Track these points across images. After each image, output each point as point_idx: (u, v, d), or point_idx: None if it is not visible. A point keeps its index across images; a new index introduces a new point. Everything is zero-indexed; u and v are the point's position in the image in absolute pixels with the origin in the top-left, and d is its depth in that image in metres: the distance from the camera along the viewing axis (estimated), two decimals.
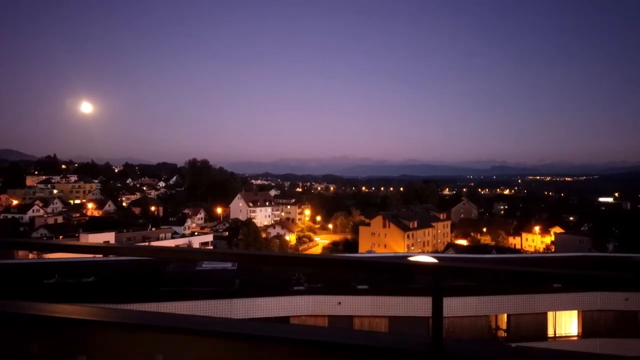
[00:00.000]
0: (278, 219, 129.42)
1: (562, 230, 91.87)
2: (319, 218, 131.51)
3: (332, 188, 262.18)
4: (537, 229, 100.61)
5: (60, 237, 70.41)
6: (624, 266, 24.77)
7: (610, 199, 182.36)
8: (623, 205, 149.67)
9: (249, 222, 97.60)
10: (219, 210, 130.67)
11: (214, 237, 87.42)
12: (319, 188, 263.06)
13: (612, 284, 1.58)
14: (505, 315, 19.87)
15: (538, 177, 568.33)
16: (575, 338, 20.10)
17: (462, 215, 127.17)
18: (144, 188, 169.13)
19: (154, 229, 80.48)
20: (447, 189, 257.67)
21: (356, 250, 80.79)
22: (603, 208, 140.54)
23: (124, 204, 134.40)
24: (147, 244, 52.52)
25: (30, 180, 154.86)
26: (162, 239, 74.08)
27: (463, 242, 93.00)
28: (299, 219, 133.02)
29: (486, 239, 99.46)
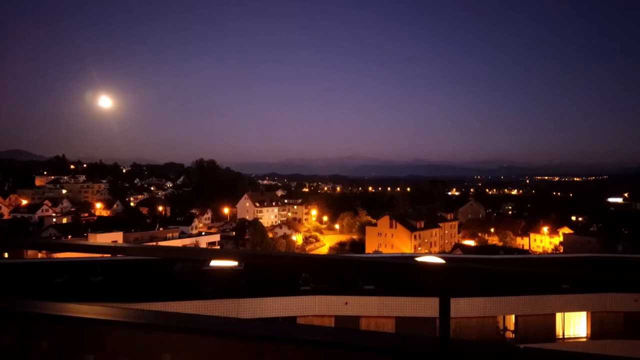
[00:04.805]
0: (285, 219, 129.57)
1: (570, 231, 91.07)
2: (325, 218, 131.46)
3: (338, 188, 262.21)
4: (545, 229, 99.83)
5: (69, 236, 70.95)
6: (633, 267, 24.53)
7: (619, 200, 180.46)
8: (633, 206, 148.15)
9: (256, 222, 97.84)
10: (226, 210, 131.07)
11: (221, 237, 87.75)
12: (326, 188, 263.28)
13: (622, 285, 1.54)
14: (513, 316, 19.73)
15: (546, 178, 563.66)
16: (584, 339, 19.91)
17: (470, 216, 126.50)
18: (152, 188, 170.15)
19: (161, 228, 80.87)
20: (455, 189, 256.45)
21: (363, 251, 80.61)
22: (612, 208, 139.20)
23: (132, 204, 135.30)
24: (154, 243, 52.81)
25: (39, 180, 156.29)
26: (169, 239, 74.44)
27: (470, 242, 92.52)
28: (305, 219, 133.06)
29: (494, 240, 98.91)
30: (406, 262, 1.68)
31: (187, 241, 74.43)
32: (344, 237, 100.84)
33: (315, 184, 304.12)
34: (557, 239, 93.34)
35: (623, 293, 19.12)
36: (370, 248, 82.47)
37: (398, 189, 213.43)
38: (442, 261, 6.57)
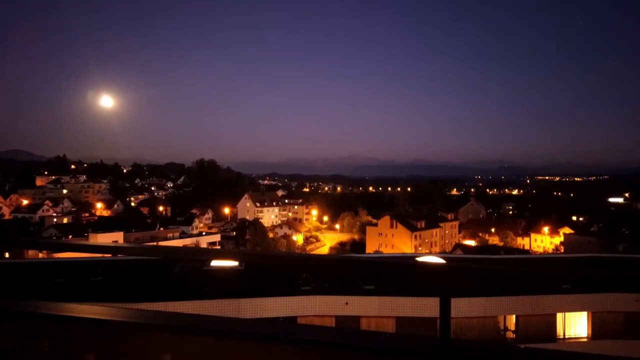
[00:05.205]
0: (285, 219, 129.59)
1: (571, 231, 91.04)
2: (326, 218, 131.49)
3: (339, 188, 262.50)
4: (546, 229, 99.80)
5: (70, 236, 70.99)
6: (634, 267, 24.51)
7: (620, 200, 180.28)
8: (633, 206, 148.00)
9: (256, 222, 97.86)
10: (227, 210, 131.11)
11: (222, 237, 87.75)
12: (326, 188, 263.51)
13: (623, 285, 1.54)
14: (514, 316, 19.73)
15: (547, 178, 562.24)
16: (585, 339, 19.91)
17: (470, 216, 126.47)
18: (152, 188, 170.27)
19: (162, 228, 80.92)
20: (455, 190, 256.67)
21: (363, 251, 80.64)
22: (613, 208, 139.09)
23: (133, 203, 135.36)
24: (155, 243, 52.84)
25: (40, 180, 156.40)
26: (170, 239, 74.44)
27: (471, 242, 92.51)
28: (306, 219, 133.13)
29: (494, 240, 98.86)
30: (407, 262, 1.68)
31: (187, 241, 74.43)
32: (344, 237, 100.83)
33: (315, 184, 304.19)
34: (558, 239, 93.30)
35: (624, 293, 19.09)
36: (370, 248, 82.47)
37: (398, 189, 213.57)
38: (442, 261, 6.57)
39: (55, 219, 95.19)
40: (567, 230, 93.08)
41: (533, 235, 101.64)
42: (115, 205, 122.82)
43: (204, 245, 72.85)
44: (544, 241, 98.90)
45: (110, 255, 2.14)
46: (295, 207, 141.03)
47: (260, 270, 19.78)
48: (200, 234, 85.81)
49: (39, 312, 1.86)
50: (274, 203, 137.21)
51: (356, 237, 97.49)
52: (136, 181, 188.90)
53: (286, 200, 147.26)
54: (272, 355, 1.65)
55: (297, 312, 17.85)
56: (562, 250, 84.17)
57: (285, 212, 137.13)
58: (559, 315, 19.80)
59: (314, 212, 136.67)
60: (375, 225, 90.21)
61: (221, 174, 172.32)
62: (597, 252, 59.82)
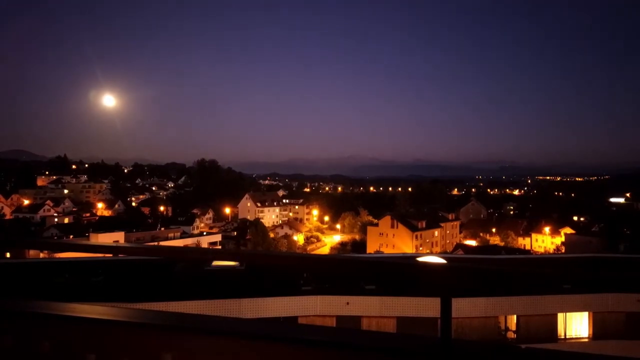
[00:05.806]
0: (286, 219, 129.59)
1: (572, 231, 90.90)
2: (326, 218, 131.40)
3: (340, 188, 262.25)
4: (547, 229, 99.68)
5: (71, 236, 71.04)
6: (635, 267, 24.48)
7: (621, 200, 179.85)
8: (635, 206, 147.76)
9: (257, 222, 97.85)
10: (227, 210, 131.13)
11: (223, 237, 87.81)
12: (327, 188, 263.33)
13: (624, 285, 1.54)
14: (515, 316, 19.71)
15: (548, 178, 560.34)
16: (586, 340, 19.89)
17: (471, 216, 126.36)
18: (153, 188, 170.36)
19: (162, 228, 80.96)
20: (456, 189, 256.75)
21: (364, 251, 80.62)
22: (614, 208, 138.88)
23: (134, 203, 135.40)
24: (156, 243, 52.83)
25: (41, 181, 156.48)
26: (171, 239, 74.49)
27: (472, 242, 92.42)
28: (306, 219, 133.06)
29: (495, 240, 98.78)
30: (407, 262, 1.68)
31: (188, 241, 74.48)
32: (345, 237, 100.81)
33: (316, 184, 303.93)
34: (559, 239, 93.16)
35: (625, 293, 19.08)
36: (371, 248, 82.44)
37: (399, 188, 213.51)
38: (443, 261, 6.57)
39: (56, 219, 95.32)
40: (568, 230, 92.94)
41: (534, 235, 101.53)
42: (116, 205, 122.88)
43: (204, 245, 72.91)
44: (545, 241, 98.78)
45: (111, 255, 2.15)
46: (296, 207, 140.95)
47: (261, 270, 19.78)
48: (201, 234, 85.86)
49: (40, 312, 1.87)
50: (275, 203, 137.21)
51: (357, 237, 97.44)
52: (137, 181, 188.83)
53: (287, 200, 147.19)
54: (273, 355, 1.65)
55: (298, 312, 17.85)
56: (563, 251, 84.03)
57: (286, 212, 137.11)
58: (560, 316, 19.77)
59: (315, 212, 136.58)
60: (376, 225, 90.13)
61: (222, 174, 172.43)
62: (598, 252, 59.71)
